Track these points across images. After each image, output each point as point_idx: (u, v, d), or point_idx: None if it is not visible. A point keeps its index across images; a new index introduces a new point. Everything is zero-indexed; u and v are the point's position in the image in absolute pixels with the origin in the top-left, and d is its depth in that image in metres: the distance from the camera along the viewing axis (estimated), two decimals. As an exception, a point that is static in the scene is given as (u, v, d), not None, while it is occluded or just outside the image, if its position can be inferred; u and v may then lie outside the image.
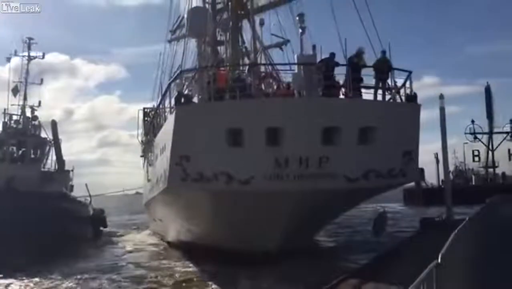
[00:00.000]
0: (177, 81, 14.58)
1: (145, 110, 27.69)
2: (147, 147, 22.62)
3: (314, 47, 15.28)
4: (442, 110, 19.49)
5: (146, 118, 26.81)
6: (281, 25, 22.99)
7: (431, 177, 57.54)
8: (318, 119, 13.13)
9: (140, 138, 28.13)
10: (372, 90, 14.63)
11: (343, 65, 14.28)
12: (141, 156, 27.58)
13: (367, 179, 14.11)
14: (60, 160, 26.78)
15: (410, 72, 14.73)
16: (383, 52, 14.76)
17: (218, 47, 22.59)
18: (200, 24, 20.34)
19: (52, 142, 26.48)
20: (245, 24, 22.13)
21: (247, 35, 22.15)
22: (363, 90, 14.47)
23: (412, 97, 14.58)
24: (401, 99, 14.84)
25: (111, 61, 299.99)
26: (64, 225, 20.79)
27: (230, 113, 13.36)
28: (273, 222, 13.57)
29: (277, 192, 13.14)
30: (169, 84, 15.13)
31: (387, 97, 14.86)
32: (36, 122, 27.32)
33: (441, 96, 19.82)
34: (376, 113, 14.02)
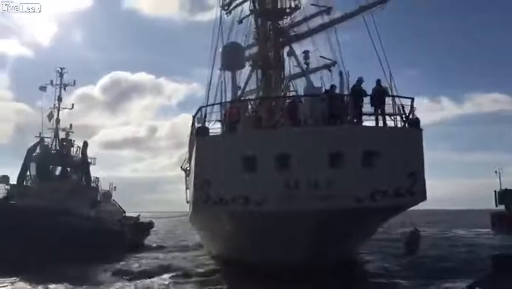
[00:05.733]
0: (198, 115, 16.59)
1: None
2: (187, 171, 24.81)
3: (340, 73, 16.53)
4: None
5: None
6: (331, 47, 24.21)
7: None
8: (323, 145, 14.52)
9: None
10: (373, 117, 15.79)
11: (347, 95, 15.62)
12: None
13: (374, 199, 15.19)
14: (87, 176, 29.76)
15: (412, 99, 15.83)
16: (378, 81, 15.95)
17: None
18: (233, 59, 22.15)
19: (84, 161, 29.32)
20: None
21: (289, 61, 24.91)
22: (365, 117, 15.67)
23: (414, 123, 15.59)
24: (405, 123, 15.86)
25: (192, 81, 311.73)
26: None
27: (244, 143, 15.14)
28: (291, 239, 14.87)
29: (289, 211, 14.55)
30: (194, 117, 17.16)
31: (390, 123, 15.93)
32: (70, 144, 30.49)
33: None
34: (378, 138, 15.19)
